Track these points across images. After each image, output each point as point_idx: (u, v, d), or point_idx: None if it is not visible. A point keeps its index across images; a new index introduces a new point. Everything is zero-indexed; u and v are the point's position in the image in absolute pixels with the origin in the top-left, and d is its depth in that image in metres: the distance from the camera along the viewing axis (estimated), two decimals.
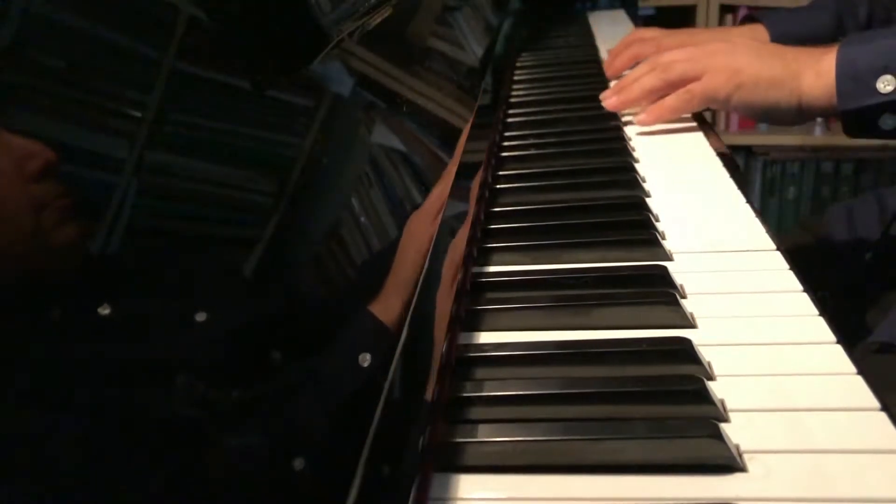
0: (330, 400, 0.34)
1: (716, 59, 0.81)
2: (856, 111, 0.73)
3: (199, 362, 0.30)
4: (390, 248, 0.45)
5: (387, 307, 0.40)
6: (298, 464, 0.30)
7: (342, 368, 0.35)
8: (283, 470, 0.29)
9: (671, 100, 0.83)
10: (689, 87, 0.82)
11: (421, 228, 0.48)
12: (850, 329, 0.80)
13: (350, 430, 0.32)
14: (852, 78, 0.73)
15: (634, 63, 1.11)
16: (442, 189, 0.54)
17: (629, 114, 0.91)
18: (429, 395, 0.40)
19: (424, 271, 0.44)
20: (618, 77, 1.08)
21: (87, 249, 0.29)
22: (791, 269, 0.56)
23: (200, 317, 0.31)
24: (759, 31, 1.04)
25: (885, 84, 0.71)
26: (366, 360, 0.36)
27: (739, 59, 0.80)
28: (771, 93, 0.77)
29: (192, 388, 0.29)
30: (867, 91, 0.72)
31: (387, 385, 0.35)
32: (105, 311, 0.28)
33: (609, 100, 0.89)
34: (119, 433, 0.26)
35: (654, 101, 0.86)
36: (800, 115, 0.78)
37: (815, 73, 0.75)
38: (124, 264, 0.30)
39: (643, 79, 0.86)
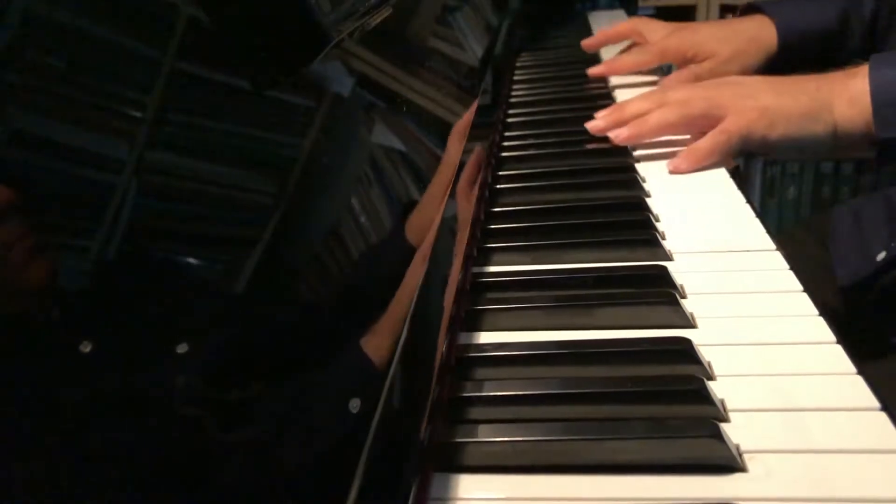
0: (319, 448, 0.32)
1: (736, 99, 0.74)
2: (893, 140, 0.69)
3: (182, 395, 0.29)
4: (390, 264, 0.44)
5: (379, 347, 0.38)
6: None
7: (332, 414, 0.33)
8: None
9: (707, 142, 0.74)
10: (723, 127, 0.74)
11: (417, 267, 0.46)
12: (856, 329, 0.79)
13: (339, 478, 0.31)
14: (889, 105, 0.68)
15: (621, 43, 1.11)
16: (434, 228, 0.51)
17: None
18: (421, 435, 0.38)
19: (412, 311, 0.41)
20: (602, 76, 1.06)
21: (62, 286, 0.29)
22: (791, 269, 0.56)
23: (182, 348, 0.30)
24: (764, 23, 1.00)
25: None
26: (356, 406, 0.33)
27: (763, 98, 0.74)
28: (806, 127, 0.72)
29: (178, 424, 0.28)
30: None
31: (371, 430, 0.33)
32: (86, 348, 0.27)
33: (616, 131, 0.79)
34: (102, 471, 0.26)
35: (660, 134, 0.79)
36: (836, 146, 0.73)
37: (847, 100, 0.71)
38: (102, 297, 0.29)
39: (659, 112, 0.78)
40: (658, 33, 1.06)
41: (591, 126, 0.82)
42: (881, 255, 0.78)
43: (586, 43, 1.13)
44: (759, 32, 0.99)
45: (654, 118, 0.78)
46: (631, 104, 0.81)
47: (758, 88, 0.75)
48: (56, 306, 0.28)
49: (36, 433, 0.25)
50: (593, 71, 1.05)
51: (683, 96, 0.78)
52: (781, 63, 0.98)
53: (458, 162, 0.58)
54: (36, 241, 0.28)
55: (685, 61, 1.00)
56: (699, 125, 0.76)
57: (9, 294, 0.27)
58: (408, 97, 0.61)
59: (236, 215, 0.37)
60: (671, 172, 0.75)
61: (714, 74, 0.93)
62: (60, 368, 0.26)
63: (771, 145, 0.73)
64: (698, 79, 0.94)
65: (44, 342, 0.27)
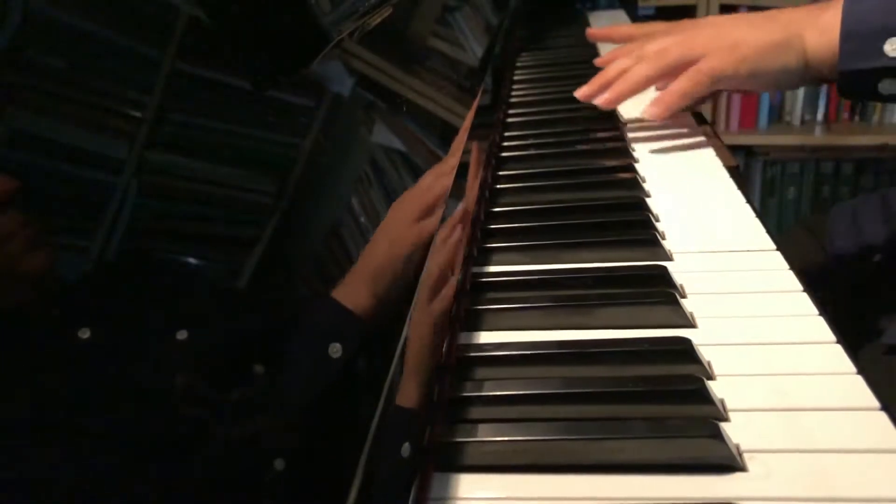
0: (305, 396, 0.32)
1: (711, 40, 0.76)
2: (856, 72, 0.69)
3: (182, 380, 0.29)
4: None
5: (351, 293, 0.38)
6: (279, 464, 0.29)
7: (313, 362, 0.34)
8: (264, 472, 0.29)
9: (680, 83, 0.76)
10: (695, 67, 0.75)
11: (399, 216, 0.45)
12: (854, 330, 0.79)
13: (330, 426, 0.32)
14: (857, 37, 0.68)
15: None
16: (433, 181, 0.52)
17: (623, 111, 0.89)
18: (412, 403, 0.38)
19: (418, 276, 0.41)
20: (599, 39, 1.10)
21: (61, 274, 0.29)
22: (791, 269, 0.56)
23: (181, 335, 0.30)
24: None
25: (893, 46, 0.66)
26: (336, 350, 0.34)
27: (735, 32, 0.75)
28: (779, 57, 0.73)
29: (178, 405, 0.28)
30: (873, 52, 0.67)
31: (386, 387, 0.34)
32: (85, 334, 0.27)
33: (600, 97, 0.81)
34: (103, 456, 0.26)
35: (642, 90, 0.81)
36: (808, 75, 0.74)
37: (818, 29, 0.71)
38: (102, 285, 0.30)
39: (636, 68, 0.79)
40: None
41: (579, 94, 0.84)
42: (878, 257, 0.78)
43: (591, 31, 1.13)
44: None
45: (633, 74, 0.78)
46: (613, 65, 0.83)
47: (731, 26, 0.76)
48: (55, 295, 0.28)
49: (34, 419, 0.25)
50: (599, 61, 1.06)
51: (659, 46, 0.79)
52: None
53: (456, 164, 0.58)
54: (35, 232, 0.28)
55: None
56: (679, 73, 0.77)
57: (8, 283, 0.27)
58: (408, 97, 0.61)
59: (236, 215, 0.37)
60: (648, 117, 0.78)
61: None
62: (59, 355, 0.27)
63: (743, 78, 0.74)
64: None
65: (42, 329, 0.27)
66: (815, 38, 0.72)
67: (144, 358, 0.29)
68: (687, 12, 2.16)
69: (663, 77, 0.79)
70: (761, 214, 0.65)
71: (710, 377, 0.45)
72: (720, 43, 0.75)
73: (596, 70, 1.06)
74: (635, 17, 1.63)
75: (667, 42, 0.79)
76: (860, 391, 0.43)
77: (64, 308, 0.28)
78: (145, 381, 0.28)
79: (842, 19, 0.69)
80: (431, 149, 0.60)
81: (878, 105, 2.17)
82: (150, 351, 0.29)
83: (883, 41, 0.67)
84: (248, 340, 0.33)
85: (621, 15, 1.60)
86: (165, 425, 0.27)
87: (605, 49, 1.23)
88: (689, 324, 0.50)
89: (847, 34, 0.69)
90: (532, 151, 0.83)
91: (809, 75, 0.74)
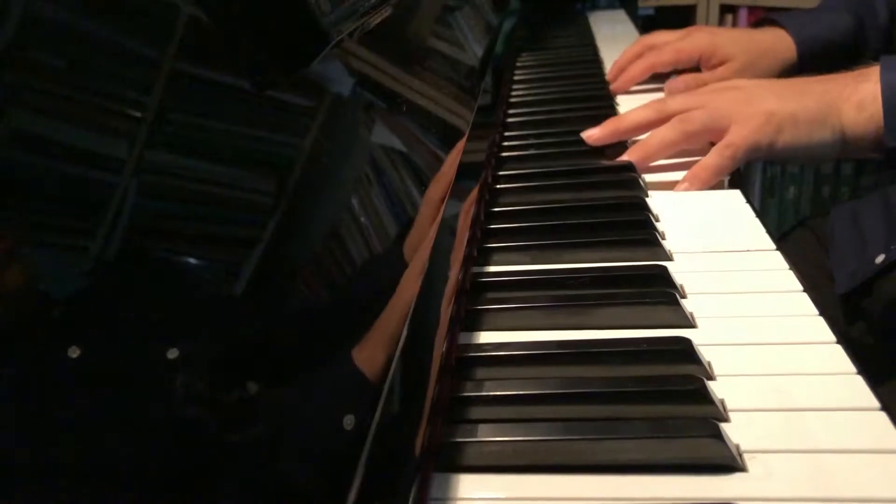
0: (313, 466, 0.31)
1: (738, 106, 0.71)
2: None
3: (173, 402, 0.28)
4: (386, 277, 0.43)
5: (368, 360, 0.36)
6: None
7: (325, 432, 0.32)
8: None
9: (714, 159, 0.71)
10: (729, 140, 0.70)
11: (410, 284, 0.44)
12: (855, 330, 0.79)
13: (338, 483, 0.30)
14: None
15: (626, 43, 1.06)
16: (427, 244, 0.49)
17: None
18: (417, 450, 0.37)
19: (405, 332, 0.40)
20: (624, 90, 1.01)
21: (45, 290, 0.28)
22: (791, 269, 0.56)
23: (172, 353, 0.29)
24: (780, 35, 0.98)
25: None
26: (349, 422, 0.32)
27: (766, 103, 0.71)
28: (814, 132, 0.69)
29: (172, 432, 0.27)
30: None
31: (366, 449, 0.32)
32: (75, 353, 0.26)
33: (630, 157, 0.75)
34: (87, 481, 0.25)
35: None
36: (846, 151, 0.71)
37: (855, 104, 0.68)
38: (94, 300, 0.29)
39: (658, 133, 0.74)
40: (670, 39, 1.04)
41: (587, 136, 0.80)
42: (880, 258, 0.77)
43: (617, 85, 1.04)
44: (777, 44, 0.98)
45: (656, 140, 0.75)
46: (628, 114, 0.79)
47: (759, 93, 0.73)
48: (43, 310, 0.28)
49: (21, 440, 0.25)
50: (615, 87, 1.01)
51: (682, 106, 0.75)
52: (800, 74, 0.96)
53: (453, 174, 0.58)
54: (14, 244, 0.28)
55: (700, 63, 0.98)
56: (703, 139, 0.74)
57: None
58: (408, 97, 0.61)
59: (236, 216, 0.37)
60: (680, 191, 0.72)
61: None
62: (48, 373, 0.26)
63: (778, 152, 0.71)
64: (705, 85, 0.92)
65: (30, 347, 0.26)
66: (853, 115, 0.69)
67: (137, 378, 0.28)
68: (687, 12, 2.16)
69: (687, 143, 0.75)
70: (761, 214, 0.65)
71: (710, 377, 0.45)
72: (751, 110, 0.71)
73: (593, 76, 1.07)
74: (635, 17, 1.63)
75: (690, 103, 0.75)
76: (860, 391, 0.43)
77: (51, 323, 0.27)
78: (137, 404, 0.27)
79: (882, 94, 0.67)
80: (431, 149, 0.60)
81: None
82: (143, 371, 0.28)
83: None
84: (248, 363, 0.32)
85: (621, 15, 1.60)
86: (153, 456, 0.27)
87: (605, 50, 1.23)
88: (689, 324, 0.50)
89: (890, 111, 0.66)
90: (532, 151, 0.83)
91: (848, 150, 0.71)
